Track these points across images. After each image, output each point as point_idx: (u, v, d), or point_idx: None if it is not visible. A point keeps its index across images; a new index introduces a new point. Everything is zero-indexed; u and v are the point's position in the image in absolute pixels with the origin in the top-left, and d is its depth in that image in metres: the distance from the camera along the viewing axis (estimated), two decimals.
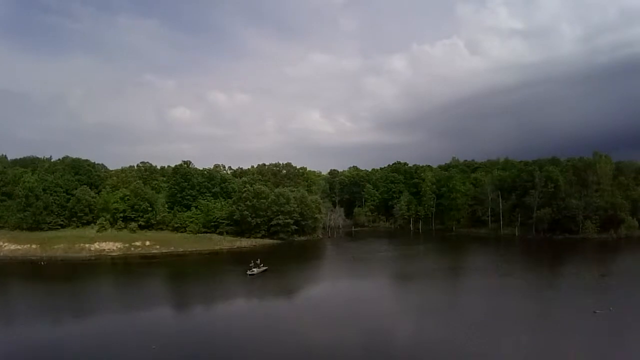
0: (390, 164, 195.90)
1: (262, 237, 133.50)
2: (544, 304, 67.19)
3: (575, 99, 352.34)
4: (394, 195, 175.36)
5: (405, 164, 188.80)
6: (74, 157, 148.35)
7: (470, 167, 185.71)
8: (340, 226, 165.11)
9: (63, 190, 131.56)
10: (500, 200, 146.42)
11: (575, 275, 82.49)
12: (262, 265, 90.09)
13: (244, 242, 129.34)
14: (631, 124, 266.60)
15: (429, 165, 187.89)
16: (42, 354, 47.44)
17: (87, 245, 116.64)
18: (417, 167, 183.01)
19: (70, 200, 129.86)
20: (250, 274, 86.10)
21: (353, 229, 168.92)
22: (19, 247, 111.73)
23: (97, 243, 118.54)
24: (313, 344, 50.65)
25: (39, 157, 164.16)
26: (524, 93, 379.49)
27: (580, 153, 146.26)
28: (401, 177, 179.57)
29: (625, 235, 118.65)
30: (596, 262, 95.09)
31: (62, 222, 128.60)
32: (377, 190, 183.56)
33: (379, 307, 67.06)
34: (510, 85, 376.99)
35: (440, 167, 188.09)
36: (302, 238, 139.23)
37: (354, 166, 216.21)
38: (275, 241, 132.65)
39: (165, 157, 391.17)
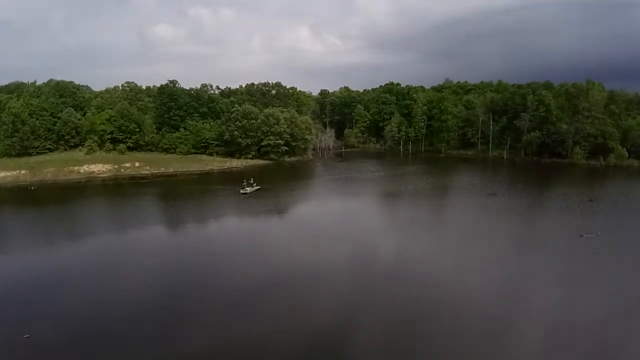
0: (382, 84, 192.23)
1: (253, 157, 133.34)
2: (530, 225, 68.75)
3: (573, 25, 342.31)
4: (385, 117, 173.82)
5: (398, 84, 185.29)
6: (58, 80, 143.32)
7: (463, 89, 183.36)
8: (331, 147, 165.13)
9: (49, 113, 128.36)
10: (491, 123, 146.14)
11: (562, 198, 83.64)
12: (255, 184, 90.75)
13: (235, 163, 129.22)
14: (627, 55, 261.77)
15: (421, 87, 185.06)
16: (38, 278, 47.97)
17: (76, 168, 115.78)
18: (409, 88, 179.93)
19: (57, 124, 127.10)
20: (243, 193, 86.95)
21: (343, 150, 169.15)
22: (7, 173, 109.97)
23: (87, 165, 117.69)
24: (301, 261, 52.03)
25: (24, 82, 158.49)
26: (522, 15, 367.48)
27: (574, 80, 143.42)
28: (393, 98, 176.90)
29: (614, 164, 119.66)
30: (584, 187, 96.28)
31: (50, 146, 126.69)
32: (368, 112, 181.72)
33: (367, 225, 68.75)
34: (509, 5, 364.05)
35: (433, 88, 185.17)
36: (293, 159, 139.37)
37: (345, 87, 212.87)
38: (265, 162, 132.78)
39: (149, 78, 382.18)
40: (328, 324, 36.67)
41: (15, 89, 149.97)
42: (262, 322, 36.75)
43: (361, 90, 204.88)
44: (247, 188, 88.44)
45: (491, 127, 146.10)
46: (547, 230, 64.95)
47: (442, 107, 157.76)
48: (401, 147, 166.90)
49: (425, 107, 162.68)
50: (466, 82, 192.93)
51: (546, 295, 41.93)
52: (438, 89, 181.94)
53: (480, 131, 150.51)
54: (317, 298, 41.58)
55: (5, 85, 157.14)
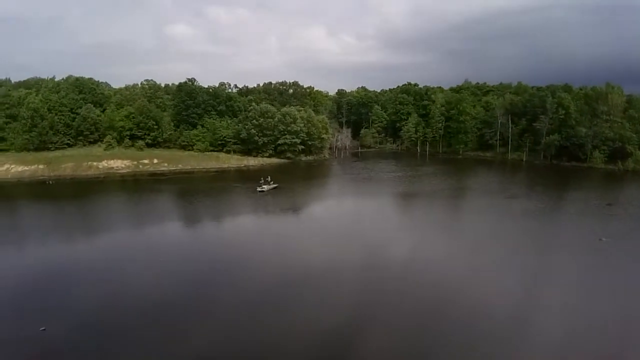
0: (400, 85, 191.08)
1: (269, 156, 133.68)
2: (549, 227, 67.65)
3: (590, 28, 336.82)
4: (402, 117, 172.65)
5: (416, 84, 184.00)
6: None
7: (482, 90, 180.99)
8: (347, 147, 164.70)
9: (68, 109, 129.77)
10: (510, 125, 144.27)
11: (581, 201, 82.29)
12: (272, 182, 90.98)
13: (251, 161, 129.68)
14: None
15: (439, 87, 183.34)
16: (55, 271, 48.54)
17: (95, 164, 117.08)
18: (427, 89, 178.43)
19: (76, 119, 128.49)
20: (260, 191, 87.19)
21: (359, 150, 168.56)
22: (26, 168, 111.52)
23: (105, 161, 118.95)
24: (315, 260, 51.79)
25: (43, 78, 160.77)
26: (539, 16, 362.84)
27: (593, 84, 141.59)
28: (410, 98, 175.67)
29: (632, 169, 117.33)
30: (602, 191, 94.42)
31: (68, 142, 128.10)
32: (385, 112, 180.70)
33: (382, 225, 68.26)
34: (526, 6, 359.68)
35: (451, 89, 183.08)
36: (309, 158, 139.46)
37: (362, 87, 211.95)
38: (282, 160, 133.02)
39: (166, 77, 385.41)
40: (340, 323, 36.31)
41: (34, 85, 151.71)
42: (274, 320, 36.64)
43: (378, 91, 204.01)
44: (264, 186, 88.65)
45: (510, 129, 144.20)
46: (566, 234, 63.83)
47: (461, 108, 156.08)
48: (418, 148, 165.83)
49: (443, 108, 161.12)
50: (485, 83, 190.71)
51: (563, 299, 41.03)
52: (456, 90, 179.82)
53: (498, 133, 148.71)
54: (330, 298, 41.25)
55: (24, 81, 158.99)
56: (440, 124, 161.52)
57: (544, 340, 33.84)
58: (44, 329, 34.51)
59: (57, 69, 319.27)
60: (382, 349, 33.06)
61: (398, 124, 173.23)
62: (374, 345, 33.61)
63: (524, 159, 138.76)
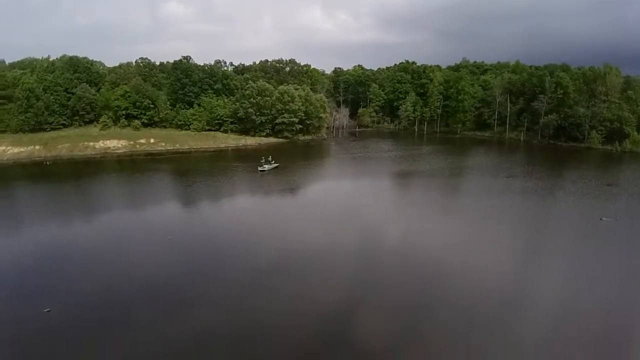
0: (397, 63, 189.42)
1: (267, 135, 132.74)
2: (549, 207, 68.11)
3: (588, 9, 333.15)
4: (400, 96, 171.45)
5: (414, 63, 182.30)
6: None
7: (480, 69, 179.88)
8: (345, 126, 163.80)
9: (63, 89, 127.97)
10: (509, 104, 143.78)
11: (581, 181, 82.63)
12: (272, 162, 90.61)
13: (249, 141, 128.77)
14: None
15: (437, 66, 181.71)
16: (55, 252, 48.36)
17: (91, 144, 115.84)
18: (425, 67, 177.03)
19: (71, 99, 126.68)
20: (261, 170, 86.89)
21: (357, 129, 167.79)
22: (22, 149, 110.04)
23: (102, 141, 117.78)
24: (315, 241, 51.92)
25: (37, 58, 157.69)
26: None
27: (590, 65, 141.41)
28: (408, 76, 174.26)
29: (629, 150, 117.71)
30: (601, 171, 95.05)
31: (64, 122, 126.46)
32: (382, 90, 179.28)
33: (381, 205, 68.51)
34: None
35: (449, 67, 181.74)
36: (307, 137, 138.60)
37: (359, 65, 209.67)
38: (279, 140, 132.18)
39: (161, 56, 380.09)
40: (336, 303, 36.67)
41: (29, 65, 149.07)
42: (273, 298, 37.13)
43: (375, 69, 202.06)
44: (265, 166, 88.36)
45: (508, 108, 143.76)
46: (566, 213, 64.39)
47: (459, 87, 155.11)
48: (416, 127, 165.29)
49: (441, 87, 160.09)
50: (483, 62, 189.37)
51: (564, 277, 41.66)
52: (455, 69, 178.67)
53: (496, 112, 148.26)
54: (327, 276, 41.71)
55: (19, 61, 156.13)
56: (439, 103, 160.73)
57: (541, 318, 34.24)
58: (49, 310, 34.51)
59: (53, 49, 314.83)
60: (377, 326, 33.62)
61: (396, 103, 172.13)
62: (370, 322, 34.19)
63: (522, 139, 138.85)
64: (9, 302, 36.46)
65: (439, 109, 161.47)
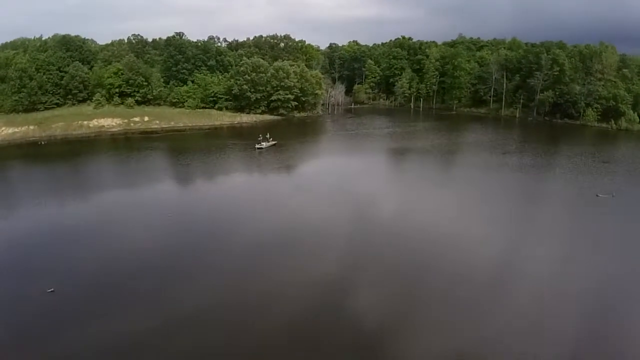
0: (393, 39, 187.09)
1: (262, 112, 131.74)
2: (546, 184, 68.73)
3: None
4: (396, 72, 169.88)
5: (410, 39, 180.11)
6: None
7: (476, 45, 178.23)
8: (340, 103, 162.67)
9: (56, 68, 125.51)
10: (505, 81, 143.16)
11: (577, 158, 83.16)
12: (270, 139, 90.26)
13: (244, 118, 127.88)
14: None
15: (434, 42, 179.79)
16: (54, 232, 48.44)
17: (85, 123, 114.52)
18: (421, 43, 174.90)
19: (64, 78, 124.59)
20: (259, 148, 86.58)
21: (353, 106, 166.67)
22: (16, 129, 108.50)
23: (96, 120, 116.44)
24: (313, 216, 52.53)
25: (29, 38, 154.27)
26: None
27: (587, 42, 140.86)
28: (404, 52, 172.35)
29: (625, 128, 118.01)
30: (597, 148, 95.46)
31: (57, 101, 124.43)
32: (378, 67, 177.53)
33: (377, 182, 68.96)
34: None
35: (445, 44, 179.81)
36: (302, 114, 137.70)
37: (354, 41, 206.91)
38: (275, 117, 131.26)
39: (153, 33, 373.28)
40: (332, 274, 37.43)
41: (21, 45, 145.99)
42: (270, 272, 38.08)
43: (371, 45, 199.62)
44: (262, 143, 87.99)
45: (504, 85, 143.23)
46: (563, 189, 64.99)
47: (456, 63, 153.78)
48: (412, 103, 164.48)
49: (437, 63, 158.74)
50: (479, 38, 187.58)
51: (559, 251, 42.26)
52: (451, 45, 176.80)
53: (492, 89, 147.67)
54: (324, 250, 42.49)
55: (11, 42, 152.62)
56: (435, 80, 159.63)
57: (533, 292, 35.09)
58: (52, 290, 34.65)
59: (44, 28, 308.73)
60: (371, 297, 34.73)
61: (392, 80, 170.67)
62: (366, 291, 35.37)
63: (518, 116, 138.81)
64: (13, 282, 36.57)
65: (435, 85, 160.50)
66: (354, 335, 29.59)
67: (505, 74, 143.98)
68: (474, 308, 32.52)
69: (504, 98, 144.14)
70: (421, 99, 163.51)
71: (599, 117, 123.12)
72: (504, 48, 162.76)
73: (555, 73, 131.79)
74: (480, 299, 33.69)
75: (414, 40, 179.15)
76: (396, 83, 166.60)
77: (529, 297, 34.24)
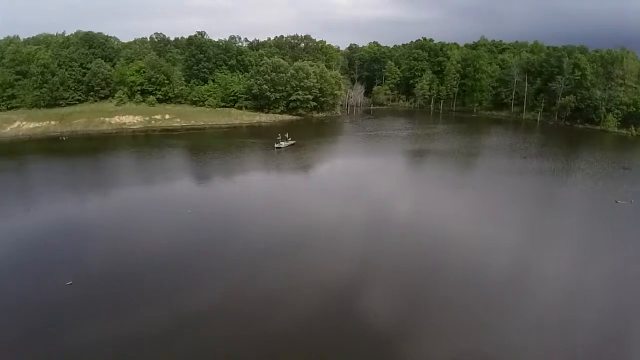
0: (414, 40, 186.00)
1: (281, 112, 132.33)
2: (565, 188, 67.73)
3: None
4: (416, 74, 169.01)
5: (431, 40, 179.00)
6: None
7: (498, 48, 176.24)
8: (359, 104, 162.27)
9: (78, 64, 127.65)
10: (526, 84, 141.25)
11: (597, 164, 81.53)
12: (289, 139, 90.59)
13: (263, 117, 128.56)
14: None
15: (455, 43, 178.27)
16: (77, 226, 49.27)
17: (107, 119, 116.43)
18: (442, 45, 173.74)
19: (86, 75, 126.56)
20: (277, 147, 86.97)
21: (372, 107, 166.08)
22: (38, 124, 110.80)
23: (117, 117, 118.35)
24: (329, 216, 52.45)
25: (52, 34, 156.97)
26: None
27: (610, 47, 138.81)
28: (425, 54, 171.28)
29: None
30: (617, 154, 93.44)
31: (79, 97, 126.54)
32: (398, 68, 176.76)
33: (395, 183, 68.77)
34: None
35: (467, 46, 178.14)
36: (321, 115, 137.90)
37: (374, 42, 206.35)
38: (294, 117, 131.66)
39: (174, 32, 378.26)
40: (344, 280, 37.17)
41: (43, 41, 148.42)
42: (283, 271, 38.32)
43: (391, 46, 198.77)
44: (281, 142, 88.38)
45: (526, 88, 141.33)
46: (582, 195, 63.91)
47: (477, 66, 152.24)
48: (432, 105, 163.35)
49: (458, 65, 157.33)
50: (501, 41, 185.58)
51: (576, 256, 41.71)
52: (473, 47, 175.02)
53: (514, 92, 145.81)
54: (341, 250, 42.51)
55: (33, 37, 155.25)
56: (455, 82, 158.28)
57: (546, 294, 34.76)
58: (71, 283, 35.31)
59: (67, 25, 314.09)
60: (383, 297, 34.81)
61: (412, 81, 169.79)
62: (376, 293, 35.34)
63: (539, 119, 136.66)
64: (34, 275, 37.35)
65: (455, 87, 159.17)
66: (367, 339, 29.45)
67: (526, 77, 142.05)
68: (491, 313, 32.26)
69: (525, 101, 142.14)
70: (441, 101, 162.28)
71: (619, 123, 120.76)
72: (526, 51, 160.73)
73: (577, 77, 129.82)
74: (496, 304, 33.44)
75: (435, 42, 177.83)
76: (416, 85, 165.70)
77: (548, 301, 33.80)
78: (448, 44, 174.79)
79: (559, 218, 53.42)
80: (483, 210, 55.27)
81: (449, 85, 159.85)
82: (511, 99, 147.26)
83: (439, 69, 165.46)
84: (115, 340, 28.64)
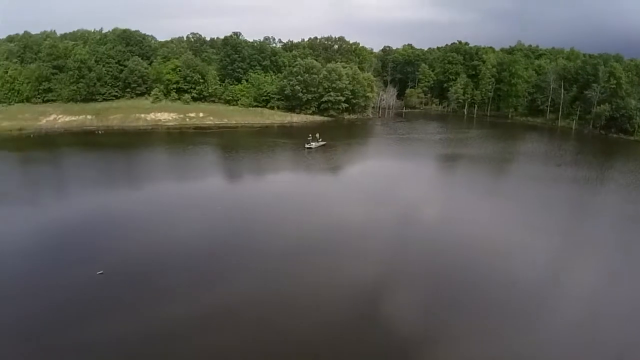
0: (449, 43, 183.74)
1: (313, 113, 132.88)
2: (598, 197, 66.50)
3: None
4: (450, 77, 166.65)
5: (466, 44, 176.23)
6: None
7: (534, 53, 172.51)
8: (391, 107, 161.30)
9: (115, 61, 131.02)
10: (562, 91, 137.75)
11: (630, 174, 79.23)
12: (320, 139, 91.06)
13: (295, 118, 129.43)
14: None
15: (491, 47, 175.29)
16: (110, 217, 50.81)
17: (143, 116, 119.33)
18: (477, 49, 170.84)
19: (123, 71, 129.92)
20: (308, 148, 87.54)
21: (404, 110, 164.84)
22: (73, 118, 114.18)
23: (153, 113, 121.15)
24: (355, 218, 52.59)
25: (89, 30, 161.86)
26: None
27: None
28: (460, 57, 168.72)
29: None
30: None
31: (116, 93, 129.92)
32: (432, 71, 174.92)
33: (424, 188, 68.24)
34: None
35: (503, 50, 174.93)
36: (352, 116, 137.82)
37: (408, 44, 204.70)
38: (325, 118, 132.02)
39: (210, 31, 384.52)
40: (368, 283, 37.02)
41: (80, 37, 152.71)
42: (306, 271, 38.73)
43: (426, 49, 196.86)
44: (312, 143, 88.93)
45: (562, 95, 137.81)
46: (615, 205, 62.12)
47: (513, 71, 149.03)
48: (465, 110, 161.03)
49: (494, 69, 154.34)
50: (537, 46, 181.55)
51: (608, 272, 40.52)
52: (509, 51, 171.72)
53: (550, 99, 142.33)
54: (367, 253, 42.37)
55: (70, 33, 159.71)
56: (490, 86, 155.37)
57: (574, 312, 33.74)
58: (102, 273, 36.49)
59: (103, 23, 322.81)
60: (407, 301, 34.60)
61: (445, 85, 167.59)
62: (400, 297, 35.17)
63: (574, 127, 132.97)
64: (66, 264, 38.77)
65: (490, 92, 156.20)
66: (390, 346, 29.29)
67: (562, 84, 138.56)
68: (519, 320, 31.87)
69: (561, 109, 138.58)
70: (475, 106, 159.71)
71: None
72: (563, 58, 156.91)
73: (612, 86, 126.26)
74: (525, 311, 32.94)
75: (470, 45, 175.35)
76: (450, 88, 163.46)
77: (575, 317, 33.15)
78: (484, 48, 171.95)
79: (590, 227, 52.56)
80: (515, 218, 54.43)
81: (483, 89, 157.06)
82: (547, 106, 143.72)
83: (473, 72, 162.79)
84: (145, 330, 29.48)
